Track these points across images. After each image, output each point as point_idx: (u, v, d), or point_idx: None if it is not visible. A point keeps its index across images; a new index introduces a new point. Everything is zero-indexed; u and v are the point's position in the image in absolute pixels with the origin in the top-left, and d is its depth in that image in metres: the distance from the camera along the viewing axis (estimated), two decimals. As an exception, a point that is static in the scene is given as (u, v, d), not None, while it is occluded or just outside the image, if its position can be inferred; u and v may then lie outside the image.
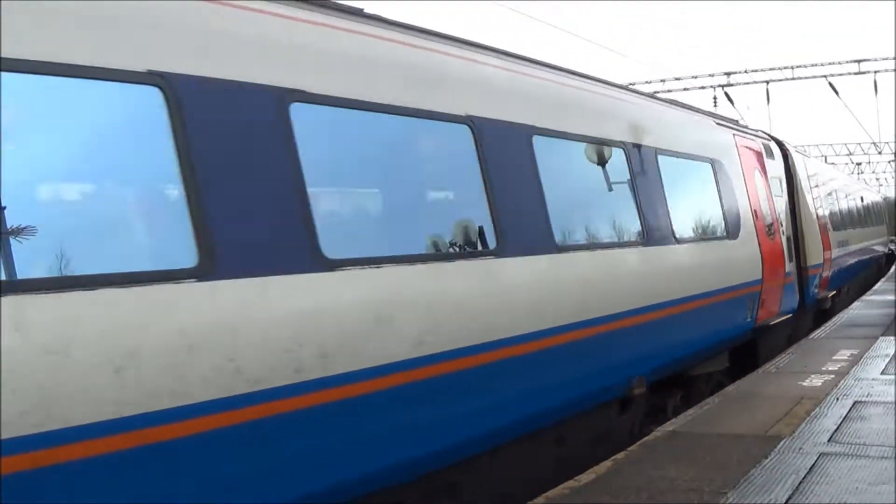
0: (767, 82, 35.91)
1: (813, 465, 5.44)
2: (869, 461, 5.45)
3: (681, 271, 8.35)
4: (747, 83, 36.35)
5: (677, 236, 8.33)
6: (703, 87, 36.72)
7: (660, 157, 8.43)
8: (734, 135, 11.27)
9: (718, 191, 9.82)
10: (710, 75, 36.89)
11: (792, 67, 35.28)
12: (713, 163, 9.88)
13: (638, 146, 8.01)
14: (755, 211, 10.90)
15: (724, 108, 33.58)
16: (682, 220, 8.64)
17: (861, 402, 7.25)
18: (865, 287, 22.03)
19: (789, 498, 4.83)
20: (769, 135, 13.94)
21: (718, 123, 11.22)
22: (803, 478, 5.18)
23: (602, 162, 7.50)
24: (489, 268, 5.61)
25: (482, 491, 5.78)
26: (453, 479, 5.47)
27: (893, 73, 32.11)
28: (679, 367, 8.53)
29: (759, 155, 12.08)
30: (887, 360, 9.38)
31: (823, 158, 44.04)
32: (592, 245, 6.98)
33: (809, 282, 13.50)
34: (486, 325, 5.41)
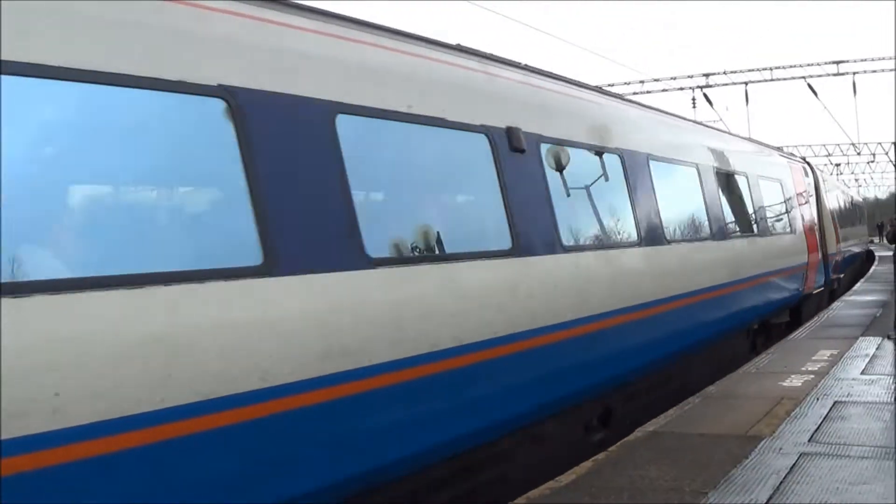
0: (746, 83, 36.24)
1: (793, 465, 5.43)
2: (849, 461, 5.44)
3: (776, 250, 13.10)
4: (726, 84, 36.66)
5: (771, 232, 13.22)
6: (681, 89, 37.02)
7: (756, 180, 12.97)
8: (787, 161, 16.49)
9: (785, 201, 14.82)
10: (688, 76, 37.20)
11: (771, 69, 35.65)
12: (781, 181, 14.86)
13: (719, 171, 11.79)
14: (801, 214, 15.88)
15: (702, 110, 33.77)
16: (774, 220, 13.72)
17: (841, 401, 7.25)
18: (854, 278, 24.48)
19: (770, 498, 4.80)
20: (802, 158, 20.11)
21: (780, 155, 16.51)
22: (784, 478, 5.16)
23: (560, 167, 6.74)
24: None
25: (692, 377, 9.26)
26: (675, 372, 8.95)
27: (894, 73, 32.52)
28: (767, 317, 12.98)
29: (799, 174, 17.02)
30: (867, 360, 9.41)
31: (803, 160, 44.69)
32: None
33: (828, 265, 18.15)
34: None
